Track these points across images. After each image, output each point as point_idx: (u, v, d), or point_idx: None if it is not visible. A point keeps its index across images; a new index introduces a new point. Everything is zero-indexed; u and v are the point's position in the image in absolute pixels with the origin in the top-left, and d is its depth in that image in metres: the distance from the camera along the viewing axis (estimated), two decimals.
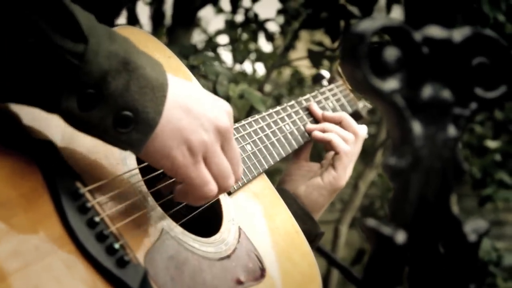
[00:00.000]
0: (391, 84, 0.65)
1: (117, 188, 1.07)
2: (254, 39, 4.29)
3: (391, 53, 0.65)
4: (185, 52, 2.41)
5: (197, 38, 5.13)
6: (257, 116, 1.51)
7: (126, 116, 0.94)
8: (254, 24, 4.11)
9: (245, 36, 4.35)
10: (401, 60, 0.66)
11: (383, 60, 0.65)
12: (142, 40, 1.28)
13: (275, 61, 3.90)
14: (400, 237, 0.65)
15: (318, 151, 1.69)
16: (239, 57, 3.61)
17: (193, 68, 2.30)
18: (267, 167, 1.44)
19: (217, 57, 3.94)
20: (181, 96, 1.01)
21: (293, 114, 1.62)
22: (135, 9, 3.50)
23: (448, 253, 0.67)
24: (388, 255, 0.65)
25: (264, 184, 1.41)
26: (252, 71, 4.26)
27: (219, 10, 4.62)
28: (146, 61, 0.98)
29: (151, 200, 1.12)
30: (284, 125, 1.57)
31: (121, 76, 0.93)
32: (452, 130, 0.67)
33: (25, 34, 0.86)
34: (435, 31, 0.66)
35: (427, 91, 0.66)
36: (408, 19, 0.68)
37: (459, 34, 0.67)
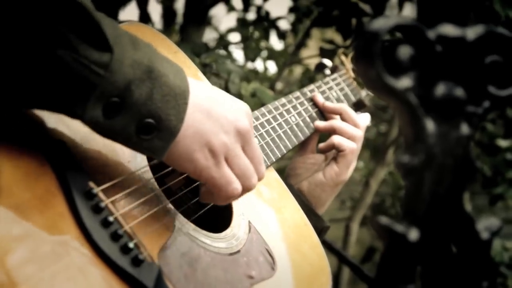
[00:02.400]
0: (405, 82, 0.65)
1: (129, 187, 1.08)
2: (266, 37, 4.30)
3: (404, 52, 0.66)
4: (197, 51, 2.42)
5: (209, 36, 5.14)
6: (263, 109, 1.51)
7: (148, 124, 0.96)
8: (266, 22, 4.12)
9: (256, 34, 4.35)
10: (414, 58, 0.66)
11: (397, 58, 0.65)
12: (148, 36, 1.29)
13: (286, 59, 3.89)
14: (413, 234, 0.65)
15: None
16: (250, 55, 3.61)
17: (205, 66, 2.31)
18: (274, 160, 1.45)
19: (229, 55, 3.95)
20: (201, 100, 1.03)
21: (298, 106, 1.61)
22: (146, 7, 3.51)
23: (460, 251, 0.67)
24: (401, 252, 0.66)
25: (271, 177, 1.42)
26: (264, 69, 4.26)
27: (231, 8, 4.63)
28: (169, 68, 0.99)
29: (162, 197, 1.13)
30: (290, 117, 1.57)
31: (144, 84, 0.95)
32: (465, 128, 0.67)
33: (52, 44, 0.87)
34: (449, 29, 0.66)
35: (440, 89, 0.66)
36: (420, 17, 0.69)
37: (472, 32, 0.67)
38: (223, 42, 4.13)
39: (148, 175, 1.13)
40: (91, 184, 1.00)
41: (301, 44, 3.65)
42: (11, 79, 0.89)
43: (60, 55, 0.88)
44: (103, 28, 0.91)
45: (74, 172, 0.99)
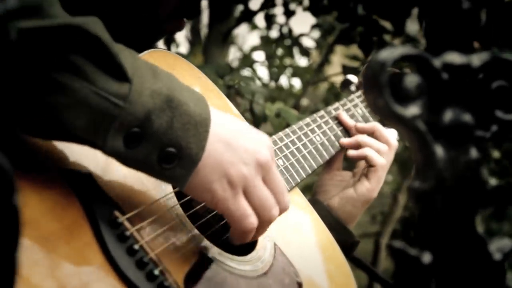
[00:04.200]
0: (413, 110, 0.67)
1: (155, 214, 1.10)
2: (290, 54, 4.33)
3: (411, 80, 0.68)
4: (221, 72, 2.46)
5: (234, 55, 5.18)
6: (287, 130, 1.52)
7: (170, 153, 0.97)
8: (289, 40, 4.15)
9: (280, 51, 4.39)
10: (422, 87, 0.68)
11: (404, 87, 0.67)
12: (171, 62, 1.31)
13: (311, 75, 3.92)
14: (426, 257, 0.67)
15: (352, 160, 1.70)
16: (274, 75, 3.64)
17: (229, 88, 2.34)
18: (299, 181, 1.46)
19: (254, 74, 3.98)
20: (222, 129, 1.04)
21: (323, 125, 1.63)
22: None
23: (473, 272, 0.69)
24: (415, 275, 0.67)
25: (296, 197, 1.44)
26: (289, 86, 4.29)
27: (254, 27, 4.67)
28: (189, 97, 1.00)
29: (187, 223, 1.15)
30: (314, 137, 1.58)
31: (164, 113, 0.96)
32: (474, 152, 0.69)
33: (71, 78, 0.89)
34: (454, 57, 0.68)
35: (448, 116, 0.68)
36: (429, 45, 0.71)
37: (477, 59, 0.69)
38: (247, 61, 4.18)
39: (173, 201, 1.15)
40: (117, 213, 1.02)
41: (324, 61, 3.67)
42: (31, 111, 0.90)
43: (77, 88, 0.89)
44: (121, 59, 0.93)
45: (100, 202, 1.01)
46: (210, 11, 3.38)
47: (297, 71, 4.33)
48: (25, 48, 0.87)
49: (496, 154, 3.57)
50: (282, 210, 1.13)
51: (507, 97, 0.70)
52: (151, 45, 1.36)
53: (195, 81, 1.34)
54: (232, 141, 1.04)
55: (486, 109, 0.70)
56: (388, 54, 0.67)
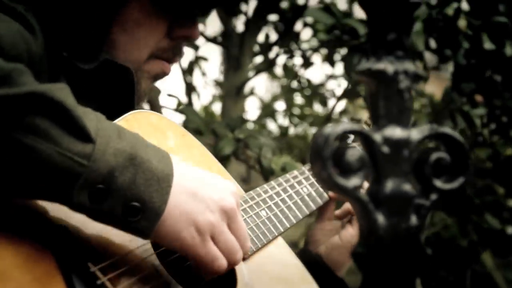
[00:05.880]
0: (354, 181, 0.73)
1: (129, 264, 1.15)
2: (309, 104, 4.41)
3: (353, 154, 0.73)
4: (233, 124, 2.52)
5: (254, 105, 5.26)
6: (272, 183, 1.57)
7: (134, 207, 1.04)
8: (309, 89, 4.22)
9: (300, 100, 4.47)
10: (363, 159, 0.74)
11: (346, 160, 0.73)
12: (155, 122, 1.38)
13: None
14: None
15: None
16: (283, 129, 3.70)
17: (238, 141, 2.41)
18: (282, 231, 1.49)
19: (275, 122, 4.03)
20: (187, 182, 1.11)
21: (311, 176, 1.66)
22: (192, 81, 3.64)
23: None
24: None
25: (278, 245, 1.46)
26: (307, 134, 4.35)
27: (274, 76, 4.76)
28: (152, 154, 1.08)
29: (163, 271, 1.20)
30: (301, 188, 1.61)
31: (128, 170, 1.04)
32: (414, 219, 0.74)
33: (36, 140, 0.97)
34: (395, 131, 0.74)
35: (389, 186, 0.74)
36: (373, 120, 0.77)
37: (417, 133, 0.75)
38: (268, 110, 4.25)
39: (150, 251, 1.21)
40: (89, 264, 1.08)
41: (332, 112, 3.71)
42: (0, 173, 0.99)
43: (42, 149, 0.97)
44: (84, 121, 1.01)
45: (73, 254, 1.07)
46: (227, 62, 3.46)
47: (316, 120, 4.39)
48: None
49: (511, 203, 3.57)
50: (245, 254, 1.21)
51: (446, 167, 0.76)
52: (138, 92, 1.40)
53: (179, 140, 1.39)
54: (197, 191, 1.12)
55: (426, 179, 0.75)
56: (332, 129, 0.73)
